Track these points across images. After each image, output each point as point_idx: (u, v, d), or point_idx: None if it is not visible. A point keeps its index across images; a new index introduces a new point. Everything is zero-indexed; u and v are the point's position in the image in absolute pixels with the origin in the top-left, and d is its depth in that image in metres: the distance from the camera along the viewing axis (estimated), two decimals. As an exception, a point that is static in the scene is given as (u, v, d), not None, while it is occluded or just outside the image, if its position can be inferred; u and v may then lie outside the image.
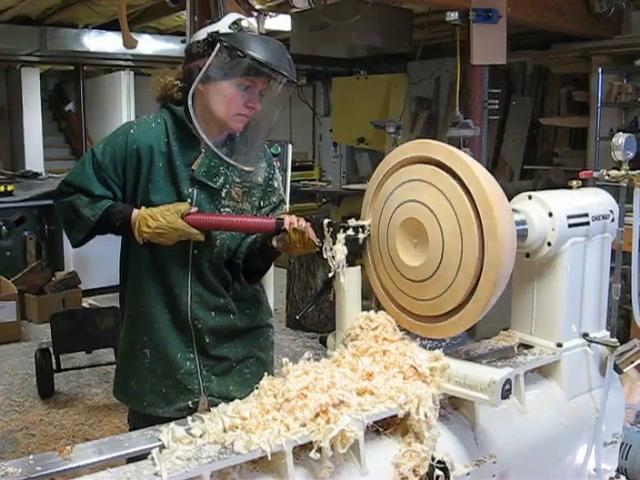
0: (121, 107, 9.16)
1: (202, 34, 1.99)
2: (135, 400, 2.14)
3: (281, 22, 5.57)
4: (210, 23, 2.04)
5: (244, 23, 2.00)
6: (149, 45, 7.49)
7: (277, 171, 2.24)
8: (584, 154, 6.56)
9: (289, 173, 3.44)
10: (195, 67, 1.97)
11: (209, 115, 1.99)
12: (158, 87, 2.08)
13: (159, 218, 1.91)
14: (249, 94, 1.98)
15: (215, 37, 1.94)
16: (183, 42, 5.05)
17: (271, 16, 4.12)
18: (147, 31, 7.37)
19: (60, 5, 6.46)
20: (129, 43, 4.77)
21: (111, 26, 7.05)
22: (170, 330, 2.07)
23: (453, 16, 4.68)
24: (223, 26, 1.97)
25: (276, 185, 2.20)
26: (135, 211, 1.97)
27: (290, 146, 3.51)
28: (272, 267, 2.31)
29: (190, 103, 1.95)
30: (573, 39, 6.08)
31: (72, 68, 8.99)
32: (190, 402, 2.05)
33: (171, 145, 2.02)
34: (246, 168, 2.04)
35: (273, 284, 3.12)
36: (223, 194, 2.05)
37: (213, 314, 2.08)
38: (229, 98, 1.96)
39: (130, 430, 2.07)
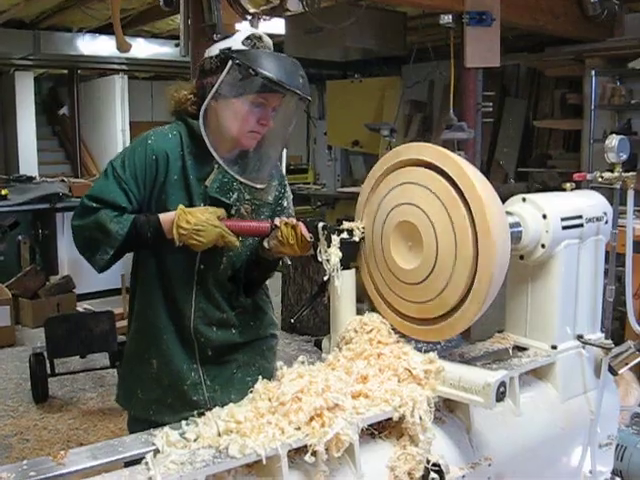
0: (115, 111, 9.17)
1: (214, 50, 1.97)
2: (140, 408, 2.13)
3: (275, 25, 5.57)
4: (223, 38, 2.03)
5: (258, 38, 1.98)
6: (143, 49, 7.50)
7: (289, 190, 2.22)
8: (578, 156, 6.59)
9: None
10: (208, 83, 1.96)
11: (221, 131, 1.97)
12: (172, 101, 2.07)
13: (198, 215, 1.88)
14: (262, 111, 1.96)
15: (227, 54, 1.92)
16: (177, 46, 5.05)
17: (265, 19, 4.12)
18: (141, 35, 7.37)
19: (54, 9, 6.46)
20: (123, 47, 4.76)
21: (105, 30, 7.06)
22: (175, 342, 2.07)
23: (447, 19, 4.69)
24: (236, 42, 1.96)
25: (286, 204, 2.19)
26: (165, 214, 1.93)
27: (285, 150, 3.49)
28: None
29: (202, 121, 1.93)
30: (566, 42, 6.11)
31: (66, 72, 8.99)
32: (195, 412, 2.03)
33: (185, 159, 2.01)
34: (257, 186, 2.02)
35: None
36: (233, 211, 2.05)
37: (214, 329, 2.08)
38: (241, 115, 1.94)
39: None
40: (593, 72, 6.01)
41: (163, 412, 2.07)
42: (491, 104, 5.20)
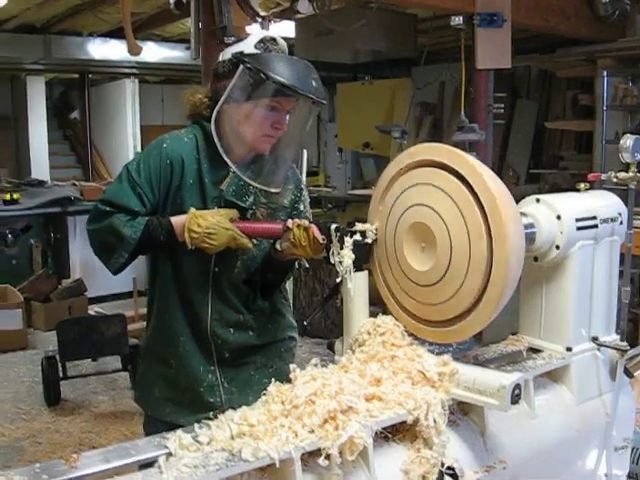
0: (126, 115, 9.19)
1: (227, 54, 1.97)
2: (156, 407, 2.14)
3: (285, 28, 5.57)
4: (236, 41, 2.03)
5: (271, 40, 1.97)
6: (154, 52, 7.52)
7: (305, 193, 2.21)
8: (590, 158, 6.54)
9: (304, 178, 3.39)
10: (221, 87, 1.95)
11: (235, 135, 1.97)
12: (188, 105, 2.07)
13: (209, 218, 1.88)
14: (275, 115, 1.95)
15: (239, 58, 1.91)
16: (187, 49, 5.06)
17: (275, 22, 4.12)
18: (151, 38, 7.39)
19: (65, 13, 6.48)
20: (134, 49, 4.77)
21: (115, 34, 7.08)
22: (192, 344, 2.07)
23: (457, 20, 4.68)
24: (248, 46, 1.95)
25: (302, 208, 2.17)
26: (177, 217, 1.93)
27: (305, 151, 3.43)
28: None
29: (213, 126, 1.93)
30: (578, 42, 6.08)
31: (77, 76, 9.02)
32: (211, 413, 2.02)
33: (201, 163, 2.01)
34: (272, 190, 2.02)
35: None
36: (249, 214, 2.04)
37: (232, 331, 2.08)
38: (255, 119, 1.94)
39: (146, 436, 2.05)
40: (605, 73, 5.97)
41: (179, 412, 2.07)
42: (502, 105, 5.18)
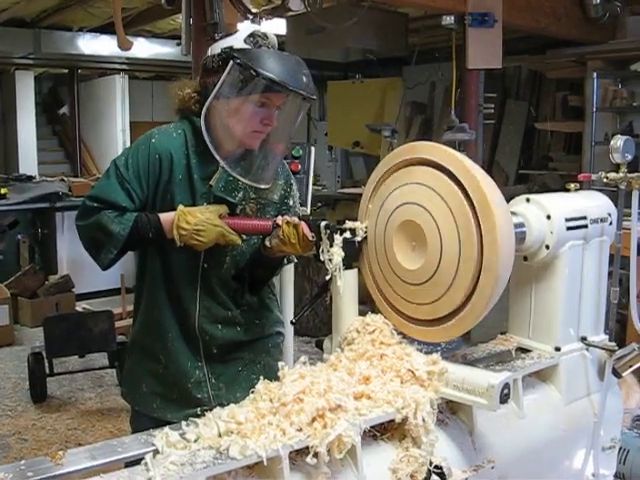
0: (115, 110, 9.17)
1: (217, 48, 1.95)
2: (144, 402, 2.12)
3: (277, 25, 5.56)
4: (226, 36, 2.01)
5: (261, 35, 1.96)
6: (144, 48, 7.49)
7: (295, 188, 2.20)
8: (579, 159, 6.57)
9: (311, 176, 3.33)
10: (210, 82, 1.93)
11: (225, 131, 1.95)
12: (176, 100, 2.05)
13: (198, 215, 1.88)
14: (265, 111, 1.93)
15: (228, 53, 1.89)
16: (178, 45, 5.05)
17: (267, 19, 4.10)
18: (142, 34, 7.35)
19: (55, 7, 6.44)
20: (124, 44, 4.74)
21: (106, 29, 7.05)
22: (180, 340, 2.06)
23: (449, 20, 4.69)
24: (238, 40, 1.93)
25: (291, 203, 2.16)
26: (165, 214, 1.93)
27: (313, 148, 3.38)
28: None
29: (203, 122, 1.91)
30: (568, 44, 6.10)
31: (66, 71, 8.97)
32: (199, 409, 2.02)
33: (190, 158, 1.99)
34: (261, 186, 2.00)
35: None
36: (238, 210, 2.03)
37: (220, 327, 2.07)
38: (244, 115, 1.92)
39: (133, 432, 2.04)
40: (595, 74, 6.00)
41: (167, 408, 2.07)
42: (492, 106, 5.20)
